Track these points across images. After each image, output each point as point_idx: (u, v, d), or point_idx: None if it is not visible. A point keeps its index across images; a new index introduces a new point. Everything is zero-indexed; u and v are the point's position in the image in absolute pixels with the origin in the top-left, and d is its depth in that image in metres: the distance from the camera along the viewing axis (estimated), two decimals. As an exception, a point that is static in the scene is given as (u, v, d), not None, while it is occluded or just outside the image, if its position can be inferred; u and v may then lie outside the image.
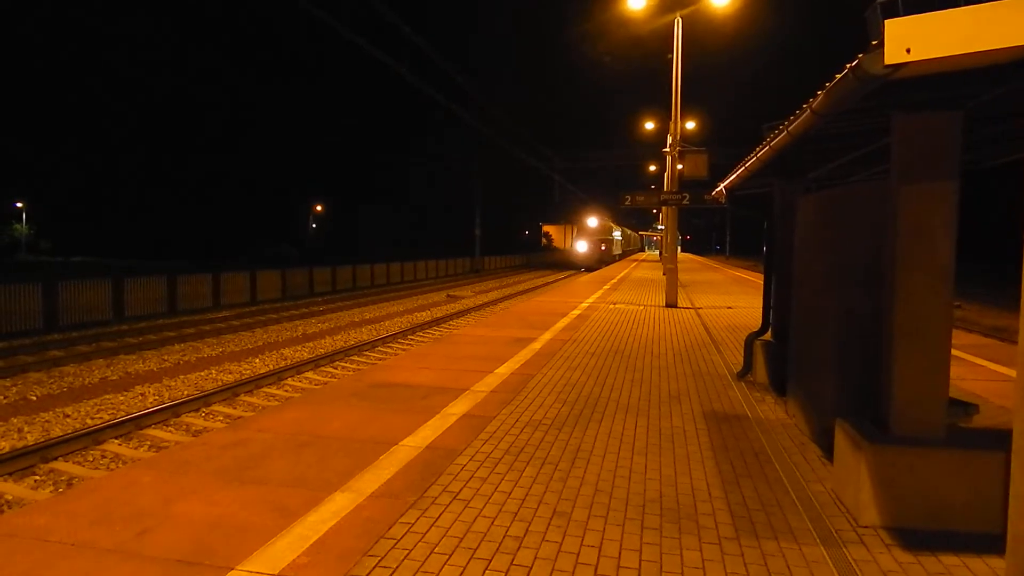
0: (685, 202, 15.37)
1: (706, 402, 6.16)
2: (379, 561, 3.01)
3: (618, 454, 4.58)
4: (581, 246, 49.39)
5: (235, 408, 8.55)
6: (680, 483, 4.06)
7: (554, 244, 67.94)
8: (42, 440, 6.83)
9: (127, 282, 17.50)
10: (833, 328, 4.58)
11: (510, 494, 3.83)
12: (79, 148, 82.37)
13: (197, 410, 8.27)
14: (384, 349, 13.28)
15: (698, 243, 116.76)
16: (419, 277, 36.95)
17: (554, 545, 3.21)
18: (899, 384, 3.53)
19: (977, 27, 2.29)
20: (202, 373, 10.68)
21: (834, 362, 4.55)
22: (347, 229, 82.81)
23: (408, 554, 3.08)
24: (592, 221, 49.98)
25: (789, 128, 3.81)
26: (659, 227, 53.80)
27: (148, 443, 7.12)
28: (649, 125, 33.03)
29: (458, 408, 5.66)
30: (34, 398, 8.99)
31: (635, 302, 16.35)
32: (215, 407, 8.47)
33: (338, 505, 3.58)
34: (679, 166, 17.30)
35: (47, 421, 7.77)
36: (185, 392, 9.28)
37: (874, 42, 2.47)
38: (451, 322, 17.84)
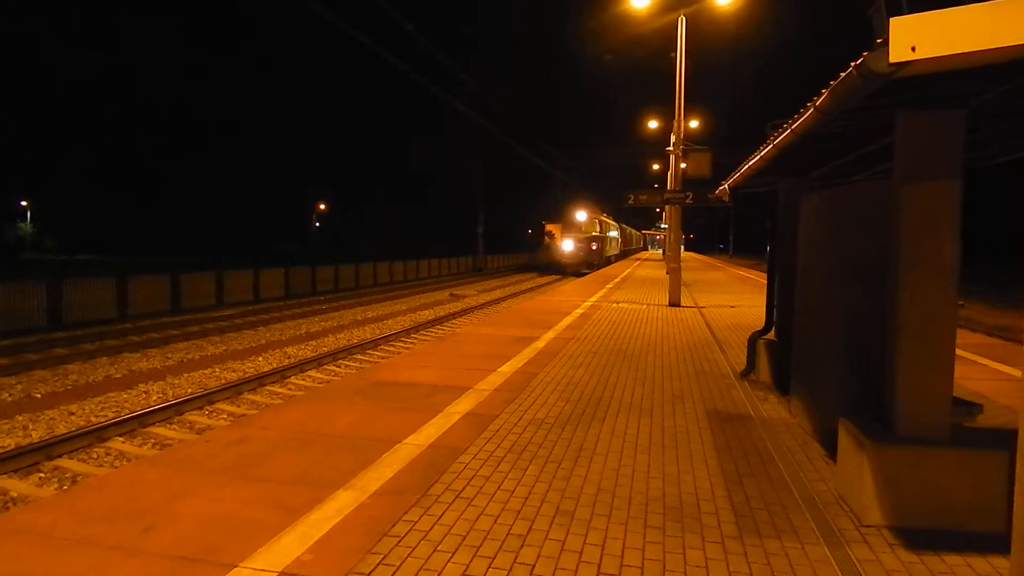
0: (688, 201, 15.37)
1: (709, 401, 6.15)
2: (382, 559, 3.01)
3: (621, 453, 4.58)
4: (567, 245, 39.42)
5: (239, 406, 8.57)
6: (683, 482, 4.06)
7: (556, 242, 67.68)
8: (47, 437, 6.85)
9: (131, 280, 17.52)
10: (836, 327, 4.57)
11: (513, 492, 3.84)
12: (83, 146, 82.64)
13: (201, 408, 8.28)
14: (387, 347, 13.29)
15: (701, 242, 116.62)
16: (421, 276, 36.93)
17: (557, 543, 3.21)
18: (903, 383, 3.52)
19: (983, 25, 2.28)
20: (206, 371, 10.70)
21: (837, 361, 4.54)
22: (350, 227, 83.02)
23: (411, 552, 3.09)
24: (580, 215, 40.54)
25: (793, 126, 3.79)
26: (662, 226, 53.23)
27: (152, 441, 7.14)
28: (653, 124, 33.03)
29: (461, 406, 5.67)
30: (39, 396, 9.02)
31: (638, 301, 16.34)
32: (219, 405, 8.48)
33: (341, 503, 3.59)
34: (683, 165, 17.29)
35: (52, 418, 7.79)
36: (189, 390, 9.30)
37: (879, 40, 2.46)
38: (454, 321, 17.84)
